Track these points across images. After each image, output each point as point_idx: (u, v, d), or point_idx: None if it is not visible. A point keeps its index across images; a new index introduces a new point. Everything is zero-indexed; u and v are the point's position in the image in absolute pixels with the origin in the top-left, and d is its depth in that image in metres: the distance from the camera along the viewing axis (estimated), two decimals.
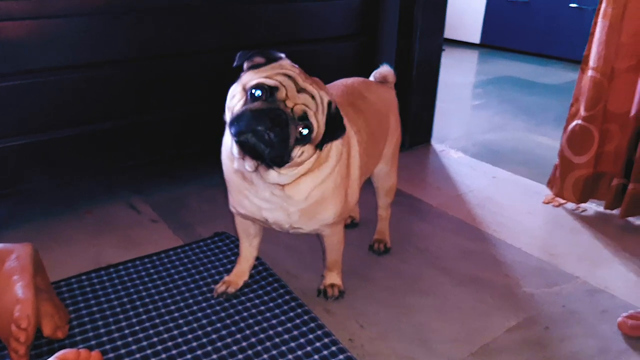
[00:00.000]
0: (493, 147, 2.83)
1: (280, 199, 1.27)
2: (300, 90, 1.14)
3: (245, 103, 1.12)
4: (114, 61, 1.87)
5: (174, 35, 1.96)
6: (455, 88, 4.03)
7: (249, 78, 1.16)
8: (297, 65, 1.21)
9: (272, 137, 1.08)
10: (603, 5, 1.90)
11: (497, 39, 5.34)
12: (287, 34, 2.26)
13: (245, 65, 1.22)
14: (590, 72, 1.97)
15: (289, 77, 1.14)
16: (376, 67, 1.76)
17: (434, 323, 1.47)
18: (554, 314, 1.51)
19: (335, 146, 1.29)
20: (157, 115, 2.03)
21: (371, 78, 1.72)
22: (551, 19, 4.85)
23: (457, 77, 4.37)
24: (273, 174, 1.19)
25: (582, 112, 2.01)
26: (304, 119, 1.12)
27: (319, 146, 1.20)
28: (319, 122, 1.15)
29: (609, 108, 1.97)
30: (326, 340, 1.34)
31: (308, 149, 1.16)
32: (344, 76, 1.62)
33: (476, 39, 5.48)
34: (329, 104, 1.19)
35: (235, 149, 1.15)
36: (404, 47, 2.55)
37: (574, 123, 2.05)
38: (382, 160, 1.65)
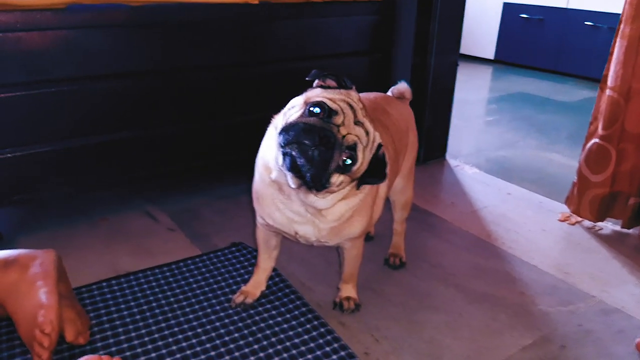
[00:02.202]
0: (506, 163, 2.84)
1: (313, 216, 1.29)
2: (357, 122, 1.16)
3: (302, 116, 1.15)
4: (132, 73, 1.91)
5: (191, 50, 2.00)
6: (469, 104, 4.04)
7: (315, 94, 1.18)
8: (363, 100, 1.23)
9: (315, 155, 1.10)
10: (622, 25, 1.92)
11: (511, 55, 5.36)
12: (302, 49, 2.29)
13: (315, 83, 1.24)
14: (608, 92, 1.99)
15: (351, 107, 1.17)
16: (390, 82, 1.78)
17: (447, 340, 1.48)
18: (569, 333, 1.52)
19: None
20: (172, 127, 2.06)
21: (389, 94, 1.74)
22: (565, 36, 4.86)
23: (471, 92, 4.39)
24: (312, 197, 1.22)
25: (600, 130, 2.03)
26: (352, 149, 1.14)
27: (358, 182, 1.22)
28: (364, 158, 1.17)
29: (625, 127, 1.98)
30: (343, 353, 1.35)
31: (346, 179, 1.18)
32: (359, 91, 1.65)
33: (490, 54, 5.50)
34: (379, 146, 1.21)
35: (279, 160, 1.16)
36: (419, 64, 2.58)
37: (592, 141, 2.07)
38: (400, 175, 1.67)
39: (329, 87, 1.22)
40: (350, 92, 1.21)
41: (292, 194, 1.26)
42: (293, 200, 1.27)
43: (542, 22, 5.02)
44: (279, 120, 1.21)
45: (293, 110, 1.18)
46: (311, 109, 1.14)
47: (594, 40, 4.58)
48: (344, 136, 1.13)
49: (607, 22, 4.44)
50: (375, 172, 1.21)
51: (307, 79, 1.25)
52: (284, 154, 1.13)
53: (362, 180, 1.22)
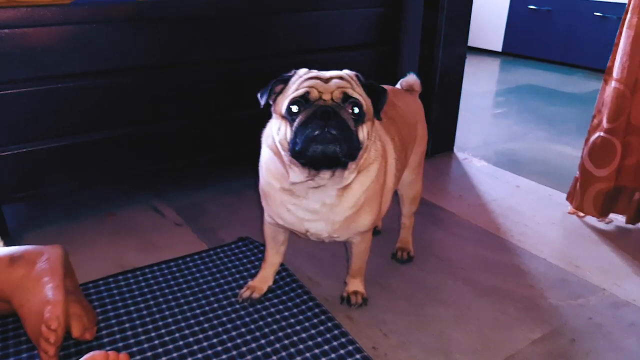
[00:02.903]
0: (514, 156, 2.81)
1: (327, 209, 1.28)
2: (327, 80, 1.17)
3: (292, 125, 1.15)
4: (136, 68, 1.90)
5: (193, 44, 1.99)
6: (477, 96, 4.01)
7: (281, 104, 1.19)
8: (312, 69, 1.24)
9: (334, 132, 1.10)
10: (628, 15, 1.87)
11: (519, 47, 5.31)
12: (306, 42, 2.27)
13: (271, 100, 1.24)
14: (613, 84, 1.94)
15: (311, 78, 1.17)
16: (398, 75, 1.77)
17: (455, 334, 1.46)
18: (579, 327, 1.50)
19: (375, 149, 1.30)
20: (177, 121, 2.06)
21: (397, 86, 1.73)
22: (574, 28, 4.81)
23: (479, 85, 4.36)
24: (348, 175, 1.22)
25: (604, 124, 1.98)
26: (348, 98, 1.15)
27: (377, 115, 1.23)
28: (360, 95, 1.17)
29: (631, 121, 1.94)
30: (350, 347, 1.34)
31: (368, 124, 1.19)
32: None
33: (498, 47, 5.45)
34: (357, 76, 1.22)
35: (301, 174, 1.18)
36: (427, 56, 2.55)
37: (595, 135, 2.03)
38: (408, 169, 1.65)
39: (281, 91, 1.22)
40: (297, 72, 1.22)
41: (309, 193, 1.25)
42: (310, 198, 1.26)
43: (550, 13, 4.96)
44: (280, 146, 1.21)
45: (281, 131, 1.18)
46: (291, 111, 1.14)
47: (603, 31, 4.52)
48: (331, 98, 1.14)
49: (616, 12, 4.38)
50: (375, 93, 1.22)
51: (262, 105, 1.25)
52: (313, 158, 1.13)
53: (376, 109, 1.22)
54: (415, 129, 1.64)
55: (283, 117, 1.17)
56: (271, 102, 1.24)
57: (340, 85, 1.15)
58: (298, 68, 1.25)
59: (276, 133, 1.20)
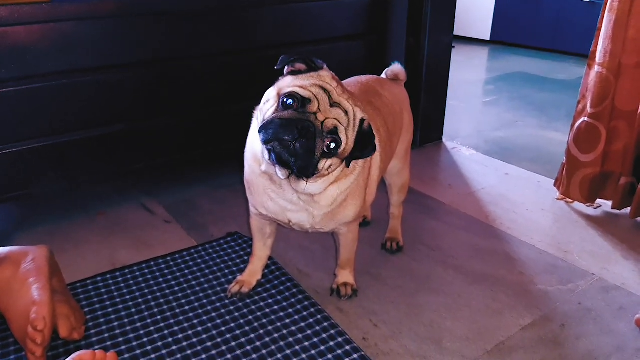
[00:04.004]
0: (504, 144, 2.81)
1: (306, 203, 1.27)
2: (333, 104, 1.14)
3: (277, 110, 1.13)
4: (124, 65, 1.88)
5: (182, 39, 1.97)
6: (466, 85, 4.01)
7: (286, 84, 1.16)
8: (337, 78, 1.21)
9: (297, 148, 1.09)
10: None
11: (507, 35, 5.31)
12: (296, 34, 2.26)
13: (285, 70, 1.21)
14: (596, 68, 1.93)
15: (324, 90, 1.14)
16: (386, 65, 1.76)
17: (447, 322, 1.46)
18: (569, 312, 1.50)
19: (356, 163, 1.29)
20: (167, 118, 2.04)
21: (383, 76, 1.72)
22: (562, 14, 4.81)
23: (468, 74, 4.35)
24: (303, 184, 1.20)
25: (588, 109, 1.98)
26: (333, 133, 1.12)
27: (347, 161, 1.21)
28: (348, 138, 1.15)
29: (616, 105, 1.94)
30: (340, 339, 1.34)
31: (335, 161, 1.17)
32: (354, 75, 1.62)
33: (486, 35, 5.45)
34: (362, 121, 1.18)
35: (265, 155, 1.16)
36: (413, 45, 2.54)
37: (580, 120, 2.02)
38: (395, 158, 1.64)
39: (299, 72, 1.19)
40: (321, 73, 1.18)
41: (283, 184, 1.24)
42: (285, 189, 1.26)
43: (538, 1, 4.95)
44: (258, 116, 1.20)
45: (268, 104, 1.16)
46: (284, 100, 1.12)
47: (592, 16, 4.51)
48: (322, 122, 1.11)
49: None
50: (364, 146, 1.19)
51: (276, 67, 1.22)
52: (268, 150, 1.12)
53: (352, 157, 1.20)
54: (401, 118, 1.63)
55: (278, 94, 1.15)
56: (284, 72, 1.21)
57: (338, 118, 1.13)
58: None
59: (264, 100, 1.19)
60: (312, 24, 2.29)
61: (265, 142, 1.11)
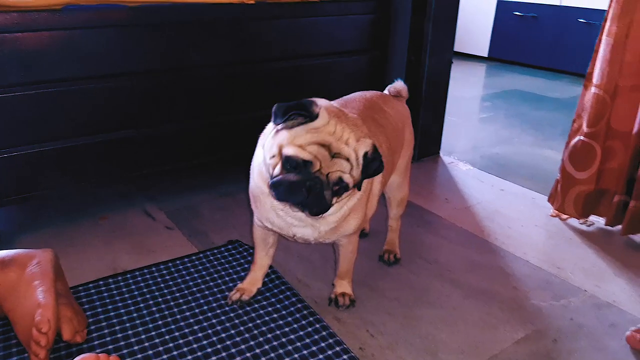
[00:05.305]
0: (500, 160, 2.86)
1: (313, 219, 1.32)
2: (334, 155, 1.18)
3: (282, 169, 1.19)
4: (129, 73, 1.91)
5: (188, 50, 2.01)
6: (463, 101, 4.06)
7: (285, 140, 1.19)
8: (333, 109, 1.23)
9: (309, 202, 1.17)
10: (608, 23, 1.93)
11: (505, 52, 5.39)
12: (299, 48, 2.30)
13: (280, 127, 1.23)
14: (593, 89, 1.99)
15: (323, 145, 1.17)
16: (387, 80, 1.80)
17: (442, 334, 1.49)
18: (562, 327, 1.54)
19: None
20: (172, 125, 2.07)
21: (385, 92, 1.76)
22: (559, 33, 4.89)
23: (465, 90, 4.41)
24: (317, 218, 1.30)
25: (584, 128, 2.03)
26: (339, 183, 1.19)
27: (358, 187, 1.28)
28: (354, 178, 1.22)
29: (612, 125, 1.99)
30: (338, 348, 1.37)
31: (345, 194, 1.26)
32: (356, 88, 1.66)
33: (484, 52, 5.52)
34: (365, 154, 1.21)
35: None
36: (414, 62, 2.59)
37: (576, 139, 2.08)
38: (396, 173, 1.68)
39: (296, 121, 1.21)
40: (317, 123, 1.19)
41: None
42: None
43: (535, 20, 5.04)
44: (265, 166, 1.25)
45: (274, 160, 1.21)
46: (287, 164, 1.18)
47: (588, 37, 4.60)
48: (327, 175, 1.18)
49: (600, 18, 4.38)
50: (373, 171, 1.25)
51: (273, 123, 1.24)
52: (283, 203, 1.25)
53: (362, 180, 1.27)
54: (402, 134, 1.67)
55: (280, 151, 1.19)
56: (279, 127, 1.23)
57: (341, 169, 1.19)
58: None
59: (269, 154, 1.23)
60: (317, 38, 2.34)
61: (278, 200, 1.22)
